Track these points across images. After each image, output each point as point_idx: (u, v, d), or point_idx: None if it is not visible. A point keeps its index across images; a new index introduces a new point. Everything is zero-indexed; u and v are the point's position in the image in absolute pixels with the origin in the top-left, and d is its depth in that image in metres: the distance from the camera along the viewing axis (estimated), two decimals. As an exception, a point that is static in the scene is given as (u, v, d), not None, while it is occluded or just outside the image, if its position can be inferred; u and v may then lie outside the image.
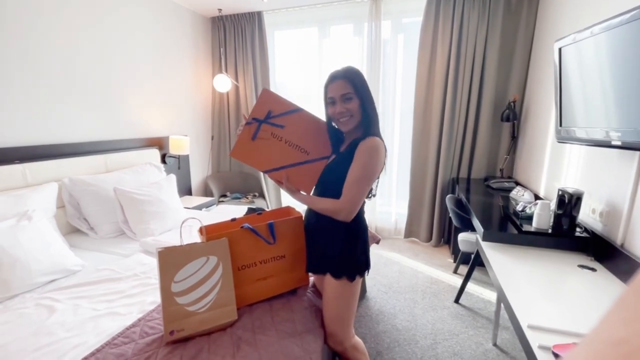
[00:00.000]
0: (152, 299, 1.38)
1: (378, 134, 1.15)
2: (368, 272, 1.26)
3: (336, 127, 1.22)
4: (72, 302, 1.34)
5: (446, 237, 3.23)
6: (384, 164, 1.17)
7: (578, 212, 1.46)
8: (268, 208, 3.47)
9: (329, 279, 1.21)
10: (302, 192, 1.25)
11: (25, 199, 1.75)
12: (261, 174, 3.57)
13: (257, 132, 1.20)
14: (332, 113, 1.16)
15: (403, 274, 2.67)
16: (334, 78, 1.13)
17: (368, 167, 1.10)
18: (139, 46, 2.77)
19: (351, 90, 1.11)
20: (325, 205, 1.16)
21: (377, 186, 1.21)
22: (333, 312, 1.24)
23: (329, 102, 1.16)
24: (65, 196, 2.08)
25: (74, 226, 2.14)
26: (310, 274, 1.41)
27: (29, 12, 1.96)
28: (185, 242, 1.16)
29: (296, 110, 1.24)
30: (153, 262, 1.70)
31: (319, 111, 1.28)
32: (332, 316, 1.25)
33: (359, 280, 1.22)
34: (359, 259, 1.21)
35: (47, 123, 2.10)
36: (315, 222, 1.27)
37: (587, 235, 1.45)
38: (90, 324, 1.21)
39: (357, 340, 1.35)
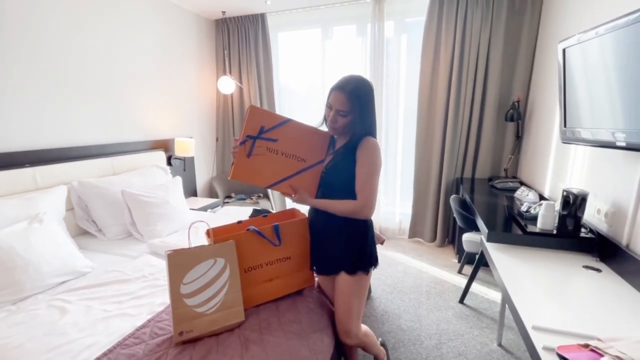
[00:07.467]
0: (161, 300, 1.40)
1: (373, 135, 1.24)
2: (377, 264, 1.31)
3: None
4: (84, 303, 1.37)
5: (450, 237, 3.23)
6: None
7: (583, 212, 1.46)
8: (273, 209, 3.49)
9: (343, 277, 1.25)
10: (314, 199, 1.28)
11: (36, 202, 1.78)
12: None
13: (252, 149, 1.21)
14: (327, 115, 1.24)
15: (407, 274, 2.68)
16: (339, 89, 1.17)
17: (374, 164, 1.18)
18: (145, 49, 2.80)
19: (348, 109, 1.16)
20: (346, 207, 1.19)
21: None
22: (348, 307, 1.26)
23: (328, 105, 1.24)
24: (74, 199, 2.12)
25: (83, 228, 2.18)
26: (315, 274, 1.43)
27: (36, 17, 1.99)
28: (192, 245, 1.18)
29: (286, 121, 1.26)
30: (161, 264, 1.73)
31: (318, 114, 1.34)
32: (347, 312, 1.26)
33: (371, 272, 1.29)
34: (372, 251, 1.28)
35: (56, 127, 2.14)
36: (324, 225, 1.29)
37: (592, 236, 1.45)
38: (101, 324, 1.24)
39: (364, 327, 1.40)
